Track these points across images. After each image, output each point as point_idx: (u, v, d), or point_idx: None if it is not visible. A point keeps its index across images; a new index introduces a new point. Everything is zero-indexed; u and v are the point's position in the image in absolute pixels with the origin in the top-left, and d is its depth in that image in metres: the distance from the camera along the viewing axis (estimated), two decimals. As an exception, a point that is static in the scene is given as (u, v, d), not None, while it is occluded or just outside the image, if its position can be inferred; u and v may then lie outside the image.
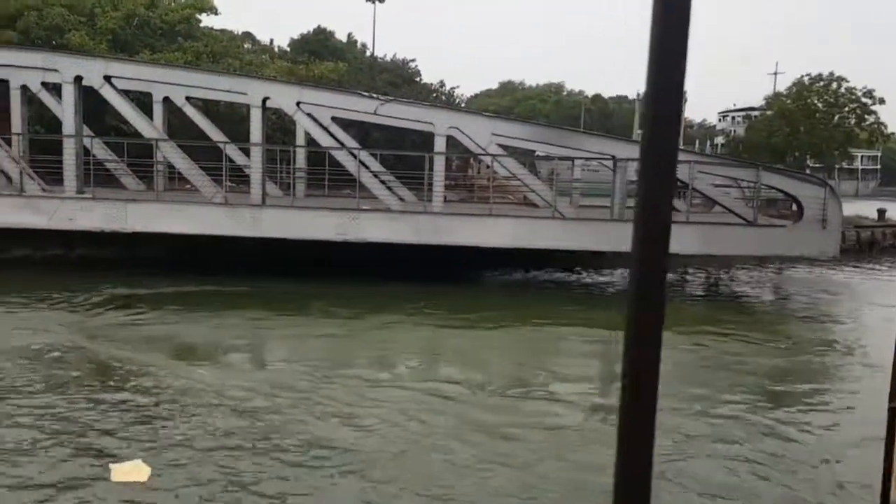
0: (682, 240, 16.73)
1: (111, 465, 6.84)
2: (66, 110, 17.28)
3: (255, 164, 17.64)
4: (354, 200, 18.08)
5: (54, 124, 18.91)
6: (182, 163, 18.09)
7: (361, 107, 19.76)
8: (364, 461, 7.34)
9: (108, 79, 17.39)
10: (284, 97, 18.26)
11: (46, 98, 21.77)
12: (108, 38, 29.55)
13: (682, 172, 18.26)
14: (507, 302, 16.45)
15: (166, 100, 23.92)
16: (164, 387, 9.34)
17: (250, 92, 18.04)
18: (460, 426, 8.45)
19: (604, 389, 11.02)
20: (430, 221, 17.35)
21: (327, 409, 8.81)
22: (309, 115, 19.46)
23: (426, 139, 21.67)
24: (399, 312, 14.56)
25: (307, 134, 21.38)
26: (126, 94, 18.79)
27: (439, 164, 17.98)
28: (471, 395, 9.66)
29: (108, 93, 17.54)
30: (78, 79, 17.05)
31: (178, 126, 24.49)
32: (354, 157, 19.41)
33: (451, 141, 19.42)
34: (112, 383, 9.47)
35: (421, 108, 19.50)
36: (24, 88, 22.51)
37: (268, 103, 18.08)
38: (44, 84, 21.84)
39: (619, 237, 17.24)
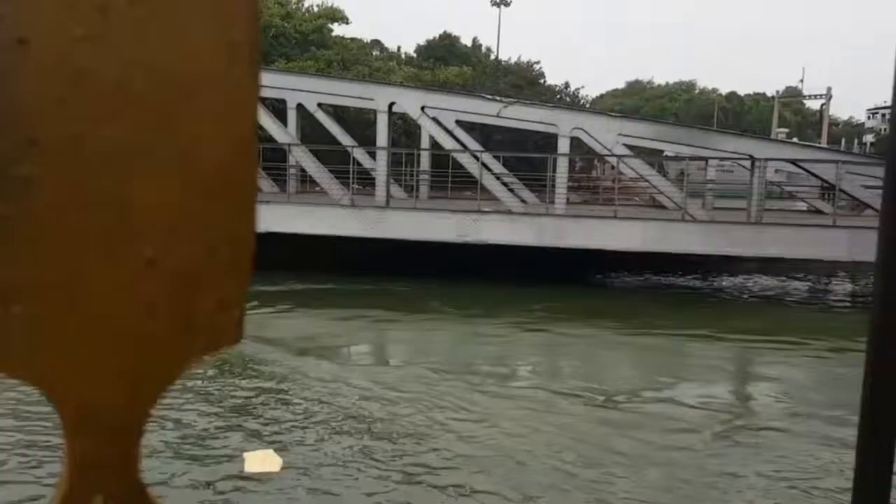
0: (828, 245, 15.58)
1: (245, 454, 7.09)
2: (207, 118, 18.35)
3: (380, 167, 18.05)
4: (475, 202, 18.10)
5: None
6: (312, 166, 18.78)
7: (485, 109, 19.79)
8: (488, 458, 7.29)
9: (245, 87, 18.34)
10: (410, 102, 18.59)
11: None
12: (247, 49, 31.23)
13: (829, 172, 17.03)
14: (631, 306, 15.90)
15: (299, 106, 25.01)
16: (293, 379, 9.67)
17: (377, 97, 18.48)
18: (583, 430, 8.21)
19: (736, 400, 10.41)
20: (551, 223, 17.07)
21: (449, 404, 8.84)
22: (434, 118, 19.73)
23: (549, 140, 21.43)
24: (516, 314, 14.42)
25: (431, 137, 21.66)
26: (262, 100, 19.72)
27: (562, 165, 17.69)
28: (594, 399, 9.37)
29: (245, 100, 18.49)
30: (219, 87, 18.08)
31: (310, 131, 25.53)
32: (476, 159, 19.45)
33: (574, 142, 19.07)
34: (244, 374, 9.90)
35: (544, 109, 19.27)
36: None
37: (394, 108, 18.47)
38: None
39: (755, 241, 16.29)
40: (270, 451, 7.14)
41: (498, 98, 20.13)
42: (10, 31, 0.40)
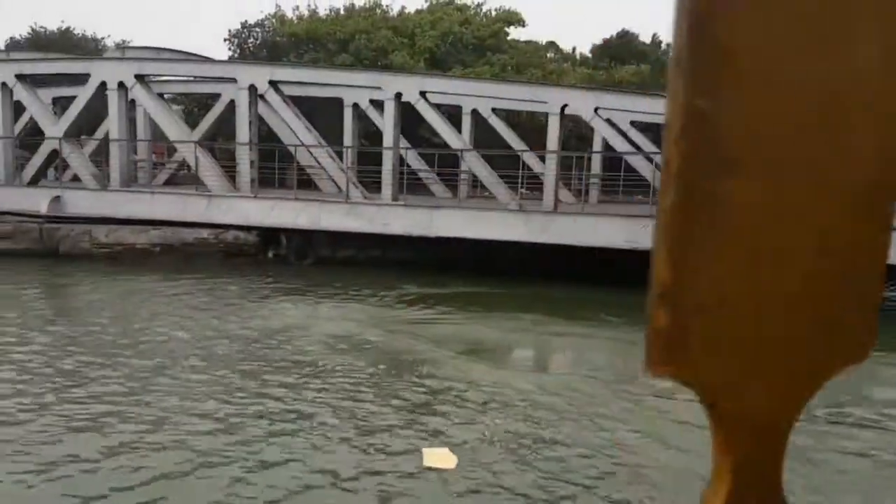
0: None
1: (423, 450, 7.41)
2: (386, 124, 19.24)
3: (549, 171, 18.00)
4: (647, 207, 17.53)
5: (376, 137, 21.14)
6: (483, 171, 19.10)
7: (661, 109, 18.92)
8: (658, 473, 7.11)
9: (423, 94, 18.99)
10: (583, 103, 18.35)
11: (373, 114, 24.56)
12: (426, 56, 32.32)
13: None
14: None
15: (474, 112, 25.55)
16: (460, 380, 9.91)
17: (550, 100, 18.43)
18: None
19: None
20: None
21: (614, 418, 8.71)
22: (607, 120, 19.36)
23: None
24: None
25: (604, 139, 21.26)
26: (438, 107, 20.37)
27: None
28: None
29: (422, 107, 19.15)
30: (398, 95, 18.87)
31: (483, 136, 26.00)
32: (650, 160, 18.82)
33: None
34: (406, 372, 10.30)
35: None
36: (356, 106, 25.67)
37: (566, 110, 18.30)
38: (371, 101, 24.69)
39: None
40: (446, 450, 7.42)
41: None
42: (716, 39, 0.44)
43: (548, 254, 17.29)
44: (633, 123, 24.08)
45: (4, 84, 21.02)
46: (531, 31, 69.25)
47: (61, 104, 25.44)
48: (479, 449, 7.56)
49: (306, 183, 23.88)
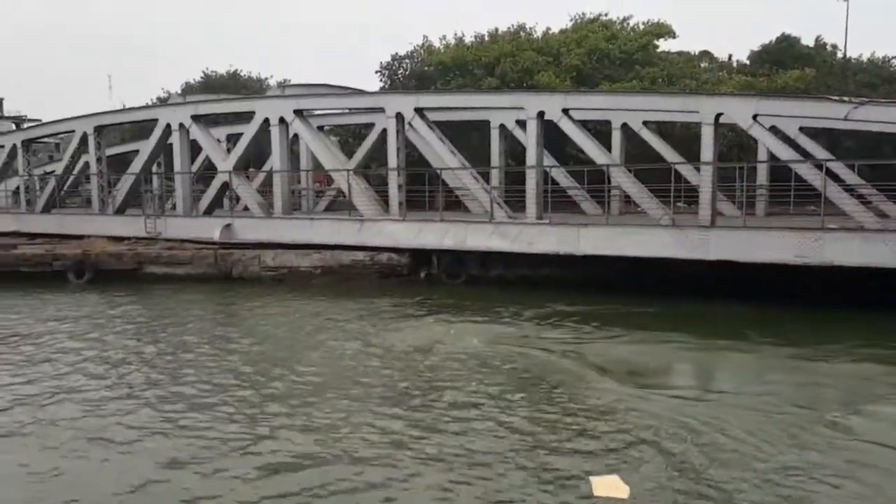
0: None
1: (591, 478, 7.08)
2: (528, 143, 19.13)
3: (704, 184, 17.03)
4: (818, 218, 16.13)
5: (524, 157, 21.03)
6: (632, 186, 18.43)
7: (828, 113, 17.58)
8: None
9: (566, 111, 18.67)
10: (739, 111, 17.24)
11: (519, 134, 24.55)
12: (572, 74, 31.94)
13: None
14: None
15: (624, 126, 24.89)
16: (608, 403, 9.51)
17: (702, 109, 17.48)
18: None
19: None
20: (917, 241, 14.48)
21: (785, 441, 8.03)
22: (772, 127, 18.13)
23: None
24: (866, 347, 12.51)
25: (768, 148, 19.92)
26: (585, 123, 19.95)
27: (931, 172, 14.94)
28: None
29: (565, 124, 18.82)
30: (540, 114, 18.70)
31: (636, 150, 25.26)
32: (820, 169, 17.35)
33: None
34: (561, 394, 9.98)
35: (907, 107, 16.48)
36: (502, 127, 25.80)
37: (721, 119, 17.29)
38: (517, 122, 24.72)
39: None
40: (616, 478, 7.05)
41: (846, 99, 17.73)
42: None
43: (703, 269, 16.32)
44: (802, 130, 22.42)
45: (182, 125, 23.05)
46: (683, 42, 66.61)
47: (234, 140, 27.51)
48: (651, 479, 7.08)
49: (455, 204, 24.21)
